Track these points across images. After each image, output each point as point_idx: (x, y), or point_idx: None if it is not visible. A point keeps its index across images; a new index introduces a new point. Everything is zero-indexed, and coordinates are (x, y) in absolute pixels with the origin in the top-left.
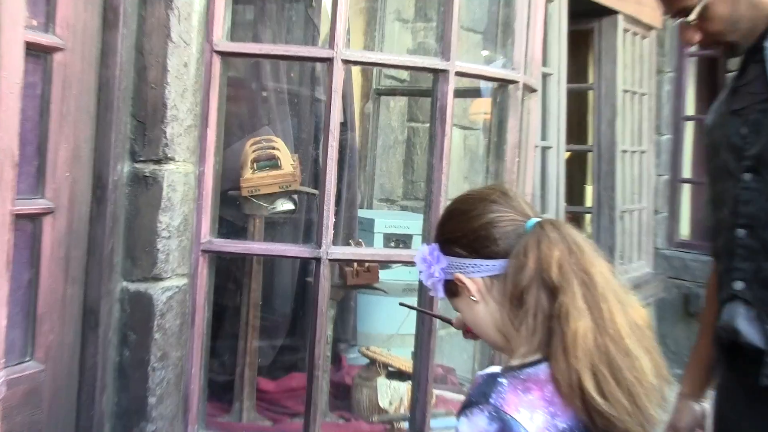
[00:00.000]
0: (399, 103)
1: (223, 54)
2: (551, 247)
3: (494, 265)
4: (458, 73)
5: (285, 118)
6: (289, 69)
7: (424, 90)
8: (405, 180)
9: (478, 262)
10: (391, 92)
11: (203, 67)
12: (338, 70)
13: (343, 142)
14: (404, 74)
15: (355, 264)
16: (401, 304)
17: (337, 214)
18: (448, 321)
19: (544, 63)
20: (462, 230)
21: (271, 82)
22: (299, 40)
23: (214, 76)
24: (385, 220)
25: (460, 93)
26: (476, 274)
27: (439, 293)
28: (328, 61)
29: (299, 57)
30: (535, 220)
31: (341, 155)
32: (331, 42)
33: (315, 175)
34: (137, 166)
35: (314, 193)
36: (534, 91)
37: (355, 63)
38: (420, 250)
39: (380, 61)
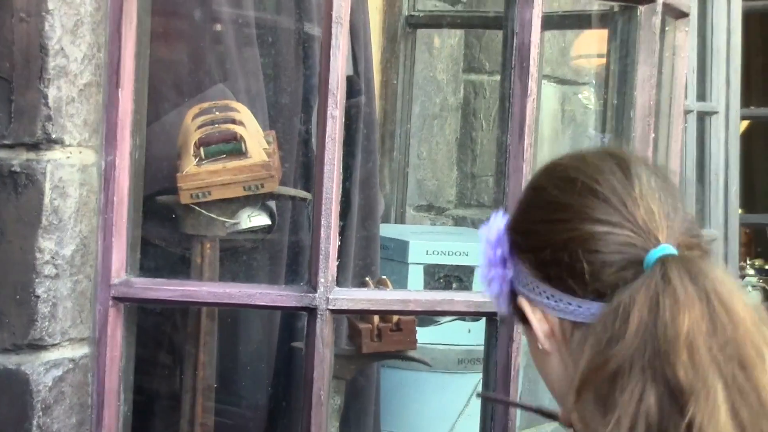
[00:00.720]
0: (449, 40)
1: None
2: (679, 311)
3: (578, 308)
4: None
5: (252, 71)
6: None
7: (490, 18)
8: (460, 174)
9: (554, 293)
10: (436, 23)
11: None
12: None
13: (352, 111)
14: None
15: (377, 319)
16: (483, 396)
17: (343, 232)
18: (552, 417)
19: None
20: (539, 237)
21: (227, 8)
22: None
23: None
24: (428, 243)
25: (553, 22)
26: (550, 310)
27: (501, 307)
28: None
29: None
30: (664, 250)
31: (349, 133)
32: None
33: (306, 168)
34: None
35: (305, 199)
36: (684, 15)
37: None
38: (491, 224)
39: None
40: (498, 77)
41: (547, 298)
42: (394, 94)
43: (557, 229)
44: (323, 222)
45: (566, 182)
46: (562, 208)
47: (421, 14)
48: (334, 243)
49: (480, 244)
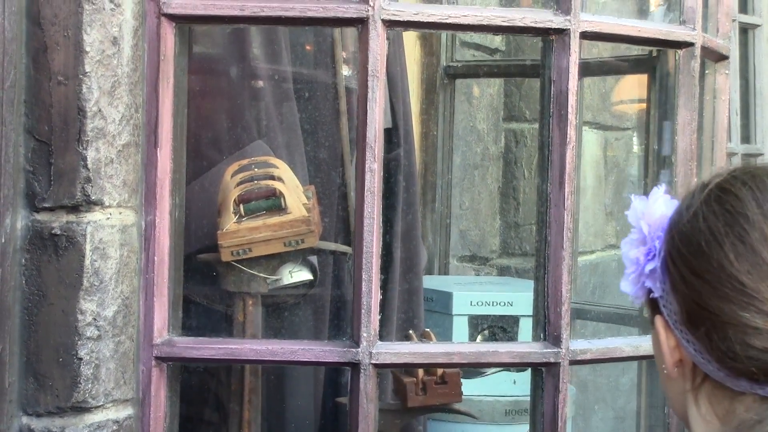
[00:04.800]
0: (488, 89)
1: (179, 19)
2: None
3: (716, 370)
4: (586, 35)
5: (291, 126)
6: (295, 41)
7: (528, 66)
8: (503, 223)
9: (695, 342)
10: (474, 72)
11: (145, 44)
12: (378, 37)
13: (391, 164)
14: (495, 40)
15: (421, 372)
16: None
17: (385, 285)
18: None
19: (743, 8)
20: (700, 297)
21: (264, 64)
22: None
23: (165, 57)
24: (472, 294)
25: (591, 68)
26: (686, 350)
27: (636, 294)
28: (360, 23)
29: (310, 19)
30: None
31: (389, 186)
32: None
33: (346, 222)
34: (39, 217)
35: (345, 253)
36: (723, 58)
37: (407, 25)
38: (652, 204)
39: (450, 21)
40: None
41: (687, 341)
42: (434, 144)
43: (726, 309)
44: (364, 276)
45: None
46: (742, 293)
47: (460, 64)
48: (376, 297)
49: (632, 216)
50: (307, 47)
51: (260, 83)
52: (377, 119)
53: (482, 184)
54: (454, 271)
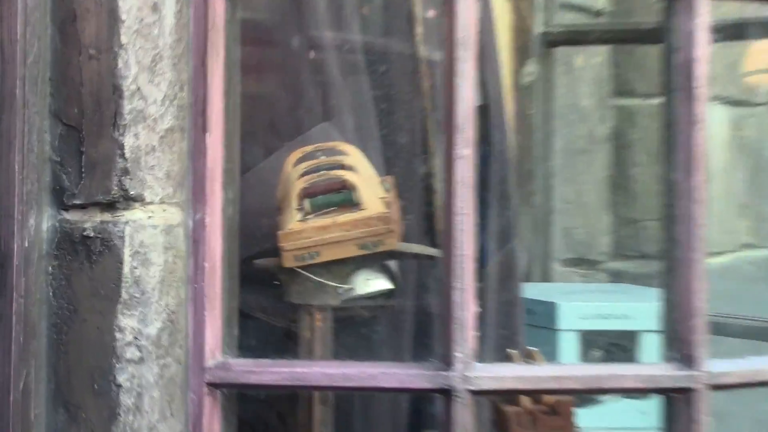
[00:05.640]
0: (593, 59)
1: None
2: None
3: None
4: None
5: (363, 106)
6: (364, 4)
7: (643, 31)
8: (615, 219)
9: None
10: (577, 39)
11: (191, 10)
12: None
13: (483, 149)
14: (599, 0)
15: (527, 400)
16: None
17: (481, 295)
18: None
19: None
20: None
21: (330, 32)
22: None
23: (214, 25)
24: (581, 305)
25: (723, 32)
26: None
27: None
28: None
29: None
30: None
31: (480, 175)
32: None
33: (430, 219)
34: (68, 216)
35: (432, 257)
36: None
37: None
38: None
39: None
40: (655, 101)
41: None
42: (530, 126)
43: None
44: (456, 284)
45: None
46: None
47: (559, 30)
48: (471, 309)
49: None
50: (366, 13)
51: (324, 55)
52: (468, 96)
53: (588, 173)
54: (557, 278)
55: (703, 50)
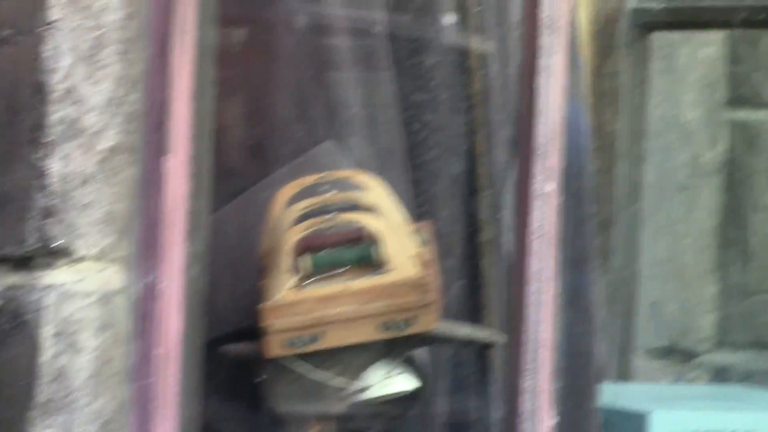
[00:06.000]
0: (703, 51)
1: None
2: None
3: None
4: None
5: (387, 118)
6: None
7: None
8: (723, 287)
9: None
10: (682, 21)
11: None
12: None
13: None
14: None
15: None
16: None
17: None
18: None
19: None
20: None
21: (340, 8)
22: None
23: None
24: (680, 414)
25: None
26: None
27: None
28: None
29: None
30: None
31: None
32: None
33: (480, 287)
34: None
35: (487, 344)
36: None
37: None
38: None
39: None
40: None
41: None
42: (612, 150)
43: None
44: (526, 383)
45: None
46: None
47: (659, 7)
48: (549, 419)
49: None
50: None
51: (334, 42)
52: (554, 105)
53: (689, 217)
54: (640, 375)
55: None
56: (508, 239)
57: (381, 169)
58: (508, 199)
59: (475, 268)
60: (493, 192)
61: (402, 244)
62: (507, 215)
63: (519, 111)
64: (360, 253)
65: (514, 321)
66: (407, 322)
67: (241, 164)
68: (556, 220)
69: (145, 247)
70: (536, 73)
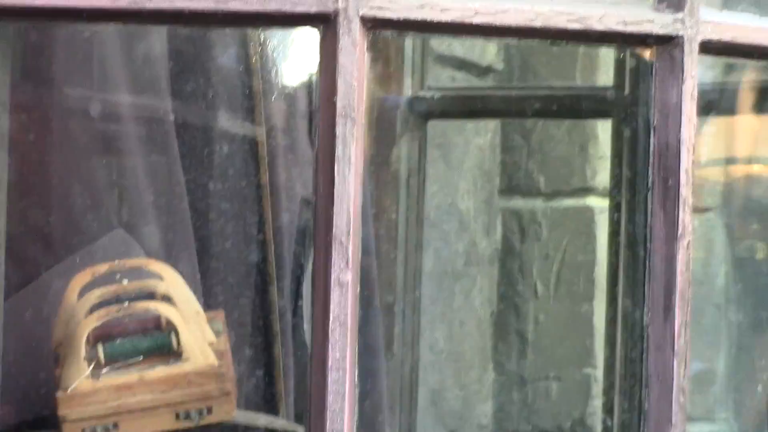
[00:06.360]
0: (477, 140)
1: None
2: None
3: None
4: (710, 46)
5: (176, 203)
6: (179, 50)
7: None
8: (498, 378)
9: None
10: (459, 109)
11: None
12: (353, 47)
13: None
14: (489, 52)
15: None
16: None
17: None
18: None
19: None
20: None
21: (127, 95)
22: None
23: None
24: None
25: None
26: None
27: None
28: (322, 21)
29: (234, 16)
30: None
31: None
32: None
33: (274, 376)
34: None
35: None
36: None
37: (401, 26)
38: None
39: (476, 20)
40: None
41: None
42: (393, 235)
43: None
44: None
45: None
46: None
47: (437, 94)
48: None
49: None
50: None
51: (120, 127)
52: (353, 192)
53: (466, 307)
54: None
55: (690, 131)
56: (305, 328)
57: (172, 257)
58: (305, 288)
59: (271, 357)
60: (289, 281)
61: (197, 333)
62: (304, 304)
63: (316, 199)
64: (155, 341)
65: (314, 411)
66: (204, 412)
67: (30, 252)
68: (354, 309)
69: None
70: (333, 162)
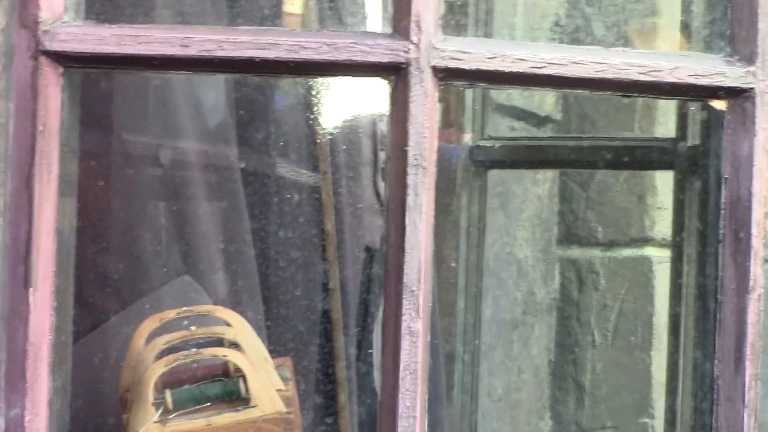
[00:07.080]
0: (535, 189)
1: (72, 60)
2: None
3: None
4: None
5: (242, 249)
6: (243, 96)
7: (610, 149)
8: (557, 425)
9: None
10: (519, 159)
11: (10, 103)
12: (425, 97)
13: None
14: (547, 102)
15: None
16: None
17: None
18: None
19: None
20: None
21: (193, 142)
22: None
23: (45, 127)
24: None
25: None
26: None
27: None
28: (394, 72)
29: (303, 65)
30: None
31: None
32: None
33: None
34: None
35: None
36: None
37: (472, 76)
38: None
39: (546, 71)
40: (624, 252)
41: None
42: (453, 283)
43: None
44: None
45: None
46: None
47: (497, 145)
48: None
49: None
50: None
51: (188, 175)
52: (423, 242)
53: (525, 355)
54: None
55: (762, 185)
56: (374, 376)
57: (239, 304)
58: (375, 336)
59: (338, 404)
60: (356, 328)
61: (265, 379)
62: (374, 352)
63: (387, 248)
64: (223, 388)
65: None
66: None
67: (98, 297)
68: (424, 358)
69: (9, 380)
70: (404, 211)
